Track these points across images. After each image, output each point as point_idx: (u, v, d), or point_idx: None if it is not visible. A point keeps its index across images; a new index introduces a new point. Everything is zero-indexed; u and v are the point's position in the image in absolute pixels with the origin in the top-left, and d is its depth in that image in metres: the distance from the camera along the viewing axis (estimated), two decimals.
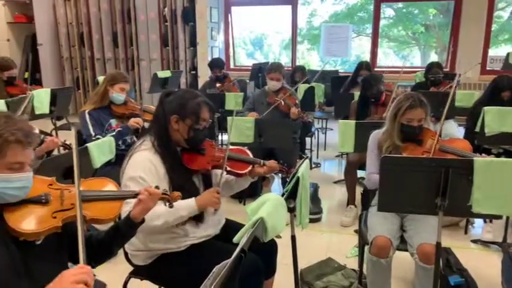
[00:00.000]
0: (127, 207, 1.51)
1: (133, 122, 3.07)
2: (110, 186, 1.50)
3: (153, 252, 1.87)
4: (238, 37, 8.65)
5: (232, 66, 8.06)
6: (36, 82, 7.48)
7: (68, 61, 7.93)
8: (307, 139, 4.90)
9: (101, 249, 1.47)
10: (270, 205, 1.45)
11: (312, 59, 9.47)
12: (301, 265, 2.35)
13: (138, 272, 1.94)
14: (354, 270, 2.52)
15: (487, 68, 6.55)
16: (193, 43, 7.26)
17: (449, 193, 1.67)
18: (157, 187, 1.51)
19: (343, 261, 2.65)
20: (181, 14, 7.12)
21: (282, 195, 1.64)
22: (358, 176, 3.65)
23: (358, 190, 3.48)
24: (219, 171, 1.99)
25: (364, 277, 2.41)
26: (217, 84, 5.17)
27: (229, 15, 7.85)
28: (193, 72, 7.39)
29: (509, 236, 3.00)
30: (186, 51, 7.28)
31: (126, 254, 1.94)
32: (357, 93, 4.14)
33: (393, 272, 2.18)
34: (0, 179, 1.21)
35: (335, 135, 3.93)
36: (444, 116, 2.27)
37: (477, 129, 3.23)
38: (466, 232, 3.27)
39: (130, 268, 1.96)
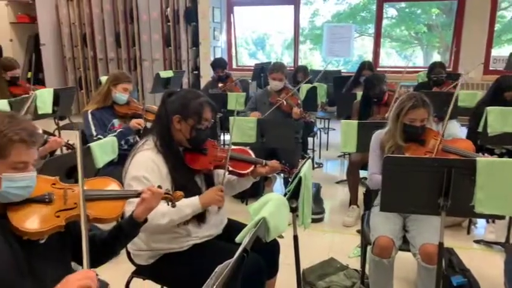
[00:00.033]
0: (130, 207, 1.51)
1: (135, 123, 3.08)
2: (113, 186, 1.50)
3: (155, 252, 1.87)
4: (240, 37, 8.64)
5: (234, 66, 8.06)
6: (39, 82, 7.51)
7: (71, 61, 7.94)
8: (310, 139, 4.90)
9: (104, 248, 1.48)
10: (272, 205, 1.45)
11: (314, 59, 9.47)
12: (304, 265, 2.34)
13: (141, 272, 1.94)
14: (356, 270, 2.52)
15: (490, 68, 6.53)
16: (195, 43, 7.26)
17: (452, 193, 1.66)
18: (159, 187, 1.52)
19: (345, 261, 2.64)
20: (183, 14, 7.12)
21: (284, 195, 1.64)
22: (361, 176, 3.65)
23: (361, 190, 3.48)
24: (221, 171, 1.99)
25: (366, 277, 2.41)
26: (220, 84, 5.16)
27: (231, 15, 7.85)
28: (196, 72, 7.39)
29: None
30: (188, 51, 7.28)
31: (128, 253, 1.95)
32: (359, 93, 4.12)
33: (395, 272, 2.18)
34: (4, 179, 1.21)
35: (337, 135, 3.93)
36: (448, 116, 2.27)
37: (480, 129, 3.22)
38: (468, 232, 3.27)
39: (133, 268, 1.96)
